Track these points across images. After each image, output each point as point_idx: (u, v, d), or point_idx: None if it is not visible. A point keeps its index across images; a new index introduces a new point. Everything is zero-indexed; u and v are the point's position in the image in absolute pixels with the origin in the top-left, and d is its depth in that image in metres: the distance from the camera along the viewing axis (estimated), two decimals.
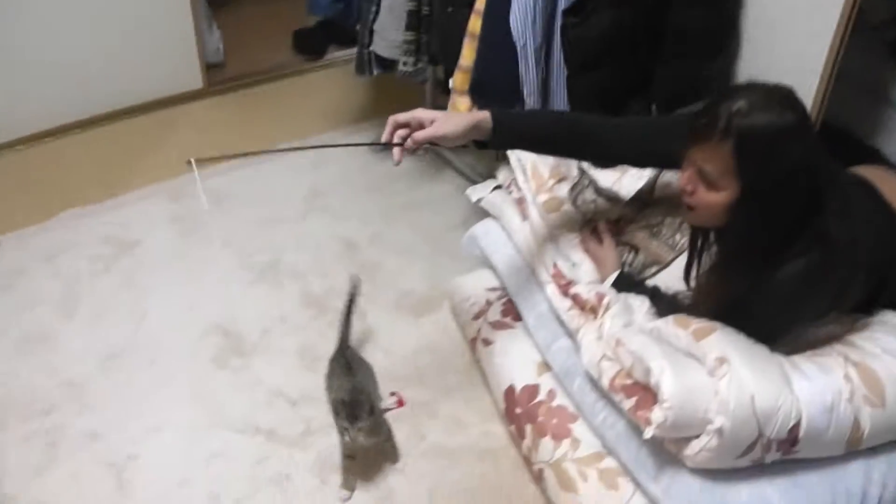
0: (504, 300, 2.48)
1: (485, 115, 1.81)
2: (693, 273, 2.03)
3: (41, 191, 3.43)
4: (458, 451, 2.32)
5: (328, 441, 2.33)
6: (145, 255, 3.06)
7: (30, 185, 3.46)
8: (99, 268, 2.99)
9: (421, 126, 1.78)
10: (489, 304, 2.51)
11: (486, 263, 2.58)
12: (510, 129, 1.88)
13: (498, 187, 2.62)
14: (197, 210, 3.27)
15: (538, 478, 2.12)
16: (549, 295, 2.19)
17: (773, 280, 1.69)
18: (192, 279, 2.95)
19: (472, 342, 2.52)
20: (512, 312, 2.43)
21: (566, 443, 2.03)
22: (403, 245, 3.10)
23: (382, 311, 2.81)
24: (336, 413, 2.20)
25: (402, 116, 1.79)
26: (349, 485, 2.23)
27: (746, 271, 1.75)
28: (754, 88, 1.68)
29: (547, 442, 2.07)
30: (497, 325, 2.42)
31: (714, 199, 1.70)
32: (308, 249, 3.07)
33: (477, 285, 2.61)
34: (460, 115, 1.86)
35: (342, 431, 2.16)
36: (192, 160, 2.02)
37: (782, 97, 1.65)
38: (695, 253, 1.99)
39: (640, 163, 2.17)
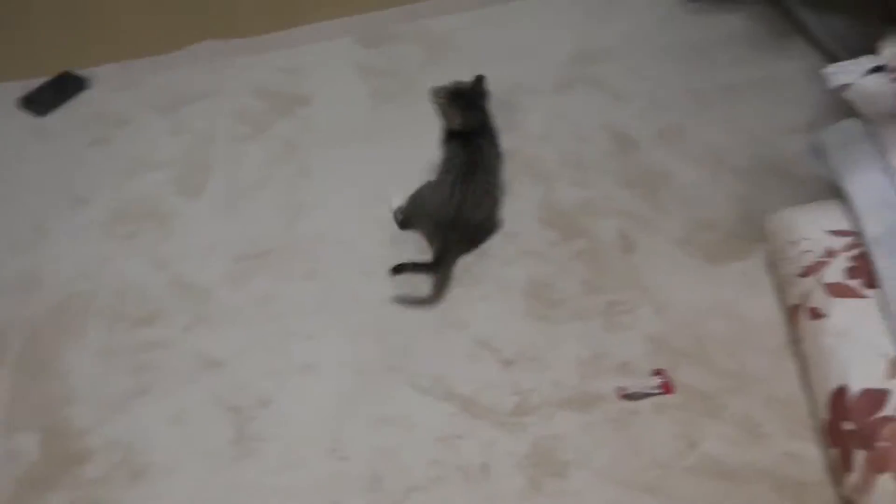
0: (855, 252, 2.48)
1: None
2: None
3: (165, 10, 3.78)
4: (743, 472, 2.39)
5: (549, 428, 2.49)
6: (315, 120, 3.34)
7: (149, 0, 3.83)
8: (243, 130, 3.30)
9: None
10: (831, 254, 2.52)
11: (836, 190, 2.59)
12: None
13: (878, 69, 2.60)
14: (400, 62, 3.50)
15: None
16: None
17: None
18: (379, 162, 3.19)
19: (794, 310, 2.55)
20: (864, 273, 2.42)
21: None
22: (709, 149, 3.16)
23: (661, 246, 2.90)
24: None
25: None
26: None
27: None
28: None
29: (887, 483, 2.08)
30: (837, 290, 2.43)
31: None
32: (563, 139, 3.20)
33: (815, 223, 2.62)
34: None
35: None
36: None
37: None
38: None
39: None
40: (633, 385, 2.56)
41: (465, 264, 2.86)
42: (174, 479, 2.42)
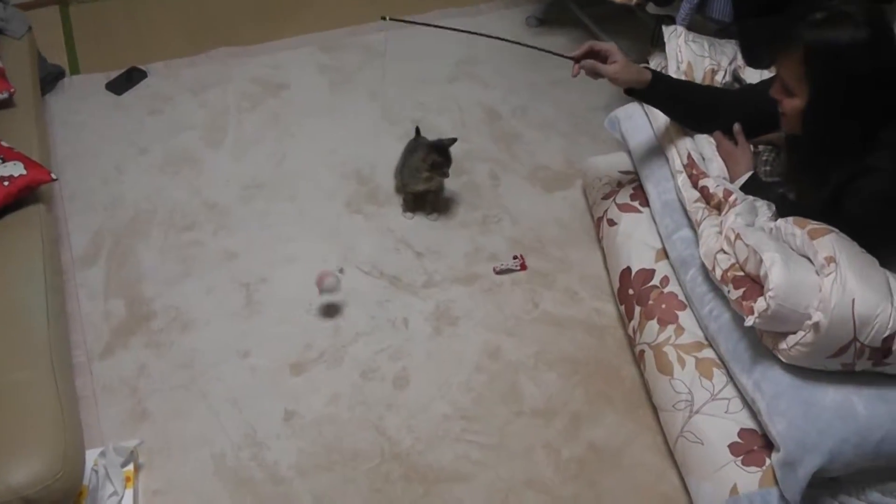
0: (635, 184, 2.53)
1: (647, 73, 2.10)
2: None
3: (193, 26, 3.67)
4: (567, 321, 2.45)
5: (446, 295, 2.52)
6: (293, 99, 3.26)
7: (182, 20, 3.71)
8: (246, 105, 3.22)
9: (604, 59, 2.06)
10: (620, 186, 2.57)
11: (623, 147, 2.62)
12: (662, 86, 2.14)
13: None
14: (347, 63, 3.43)
15: (639, 358, 2.22)
16: (680, 184, 2.22)
17: (851, 191, 1.75)
18: (336, 126, 3.13)
19: (598, 221, 2.60)
20: (640, 197, 2.47)
21: (671, 328, 2.11)
22: (545, 120, 3.16)
23: (516, 180, 2.91)
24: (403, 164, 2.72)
25: (599, 45, 2.08)
26: (409, 208, 2.77)
27: (814, 177, 1.86)
28: (845, 3, 1.72)
29: (653, 325, 2.16)
30: (624, 208, 2.48)
31: (791, 104, 1.81)
32: (452, 112, 3.18)
33: (611, 166, 2.66)
34: (633, 68, 2.10)
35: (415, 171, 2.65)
36: (387, 17, 2.15)
37: (867, 13, 1.68)
38: (792, 161, 2.06)
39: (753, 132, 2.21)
40: (503, 263, 2.60)
41: (386, 190, 2.86)
42: (208, 329, 2.40)
